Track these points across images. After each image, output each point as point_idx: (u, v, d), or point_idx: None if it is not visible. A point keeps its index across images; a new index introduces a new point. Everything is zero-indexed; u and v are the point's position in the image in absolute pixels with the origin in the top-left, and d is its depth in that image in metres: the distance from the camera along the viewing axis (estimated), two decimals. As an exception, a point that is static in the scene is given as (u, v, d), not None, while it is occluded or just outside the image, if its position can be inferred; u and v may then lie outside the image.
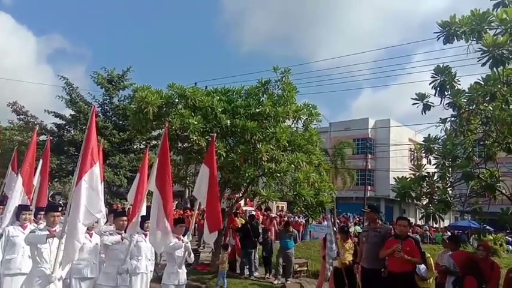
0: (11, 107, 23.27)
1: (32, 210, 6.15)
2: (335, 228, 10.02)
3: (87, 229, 5.38)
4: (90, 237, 5.64)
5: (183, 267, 6.11)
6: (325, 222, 18.33)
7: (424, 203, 5.80)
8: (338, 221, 24.64)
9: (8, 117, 25.87)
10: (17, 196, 6.38)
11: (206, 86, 17.15)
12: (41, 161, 7.63)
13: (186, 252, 6.05)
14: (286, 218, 21.99)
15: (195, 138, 9.19)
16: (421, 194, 5.69)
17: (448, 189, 5.74)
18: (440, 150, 5.61)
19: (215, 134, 7.09)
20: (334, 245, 7.95)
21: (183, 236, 6.18)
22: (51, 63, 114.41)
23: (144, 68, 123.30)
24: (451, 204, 5.58)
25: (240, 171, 9.36)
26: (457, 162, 5.46)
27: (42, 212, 6.01)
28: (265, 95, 10.22)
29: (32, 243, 4.69)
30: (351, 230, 16.21)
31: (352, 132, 37.54)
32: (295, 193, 9.60)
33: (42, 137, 20.00)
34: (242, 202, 17.13)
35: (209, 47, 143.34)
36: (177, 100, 10.10)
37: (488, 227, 8.42)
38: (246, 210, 19.41)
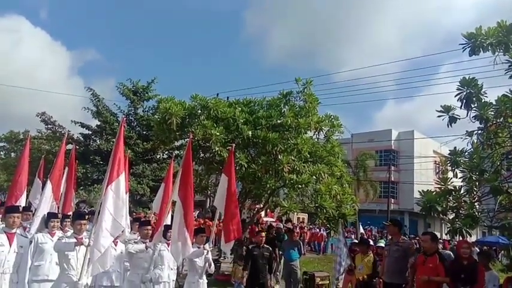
0: (40, 117, 24.10)
1: (59, 218, 6.30)
2: (355, 241, 9.85)
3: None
4: (115, 245, 5.73)
5: (204, 277, 6.14)
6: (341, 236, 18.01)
7: (451, 217, 5.67)
8: (365, 235, 24.07)
9: (36, 127, 26.65)
10: (46, 202, 6.57)
11: (228, 97, 17.30)
12: (66, 169, 7.86)
13: (207, 263, 6.08)
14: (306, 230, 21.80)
15: (217, 149, 9.28)
16: (447, 208, 5.56)
17: (476, 204, 5.60)
18: (467, 163, 5.48)
19: (233, 145, 7.15)
20: (343, 258, 7.78)
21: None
22: (82, 75, 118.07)
23: (169, 79, 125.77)
24: (479, 219, 5.42)
25: (261, 182, 9.37)
26: (485, 176, 5.32)
27: (68, 220, 6.19)
28: (286, 106, 10.23)
29: (61, 250, 4.83)
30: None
31: (374, 144, 36.94)
32: (316, 205, 9.51)
33: (69, 146, 20.55)
34: (263, 213, 17.09)
35: (231, 61, 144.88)
36: (199, 111, 10.24)
37: (517, 244, 8.12)
38: (266, 221, 19.34)
